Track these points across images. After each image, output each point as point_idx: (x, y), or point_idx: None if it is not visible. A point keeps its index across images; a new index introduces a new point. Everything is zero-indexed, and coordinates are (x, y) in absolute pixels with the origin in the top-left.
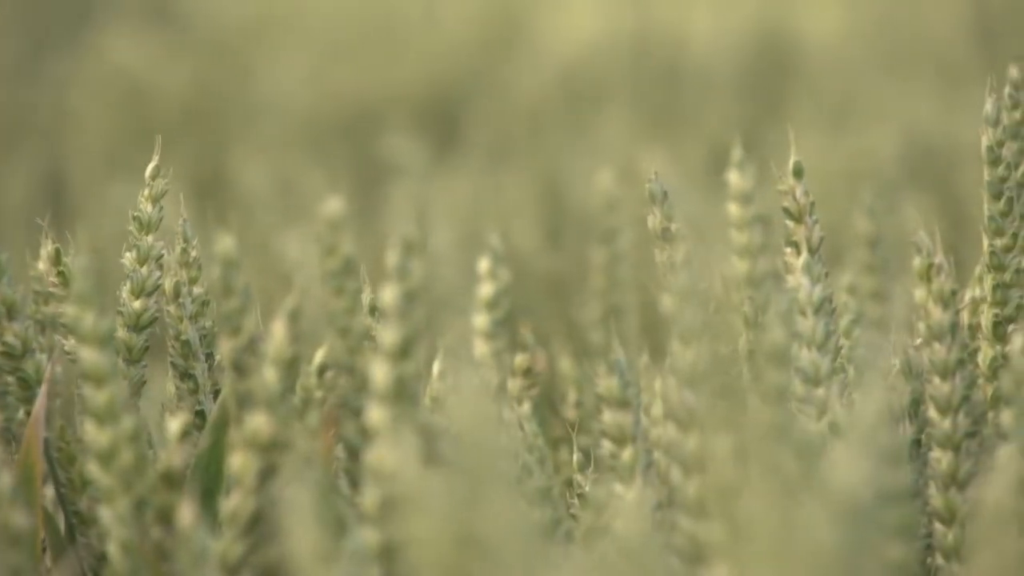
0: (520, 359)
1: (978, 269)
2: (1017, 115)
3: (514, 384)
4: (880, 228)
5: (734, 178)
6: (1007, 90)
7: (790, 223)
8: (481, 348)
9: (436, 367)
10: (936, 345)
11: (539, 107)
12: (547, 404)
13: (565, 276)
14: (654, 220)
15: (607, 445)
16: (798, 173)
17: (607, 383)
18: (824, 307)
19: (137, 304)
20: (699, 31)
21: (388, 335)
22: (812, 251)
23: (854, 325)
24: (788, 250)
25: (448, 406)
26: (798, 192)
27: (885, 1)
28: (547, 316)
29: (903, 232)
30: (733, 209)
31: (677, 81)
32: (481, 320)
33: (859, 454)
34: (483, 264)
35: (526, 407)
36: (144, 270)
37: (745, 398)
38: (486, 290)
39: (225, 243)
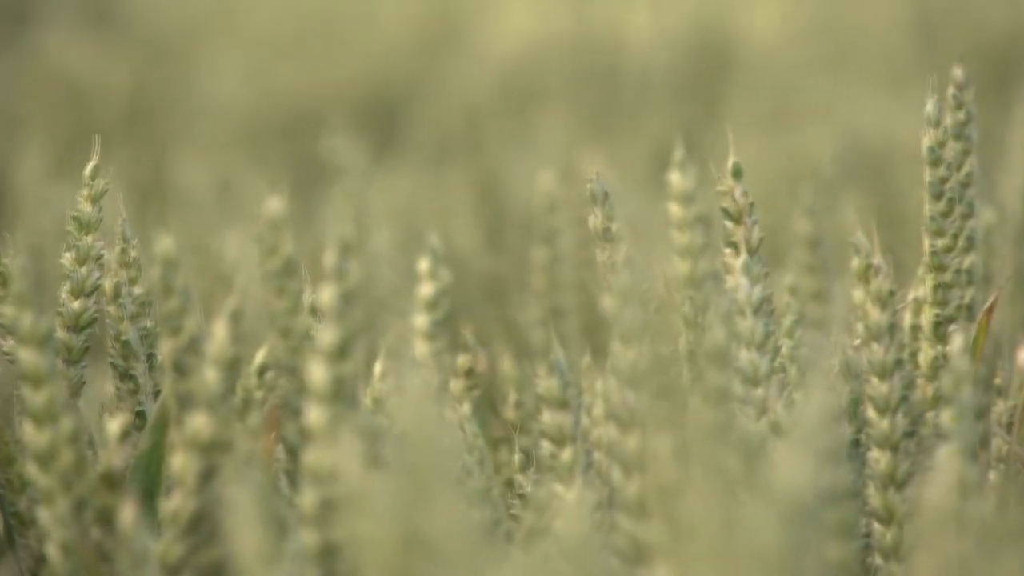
0: (462, 360)
1: (920, 269)
2: (961, 115)
3: (455, 385)
4: (819, 228)
5: (675, 178)
6: (950, 90)
7: (729, 224)
8: (421, 348)
9: (377, 368)
10: (874, 345)
11: (479, 107)
12: (488, 405)
13: (504, 276)
14: (595, 220)
15: (547, 445)
16: (737, 174)
17: (547, 384)
18: (763, 308)
19: (76, 304)
20: (638, 31)
21: (326, 335)
22: (751, 252)
23: (796, 325)
24: (727, 251)
25: (390, 406)
26: (737, 193)
27: (825, 1)
28: (487, 316)
29: (842, 232)
30: (674, 209)
31: (617, 81)
32: (421, 320)
33: (801, 454)
34: (423, 264)
35: (467, 408)
36: (84, 270)
37: (686, 398)
38: (426, 290)
39: (165, 243)
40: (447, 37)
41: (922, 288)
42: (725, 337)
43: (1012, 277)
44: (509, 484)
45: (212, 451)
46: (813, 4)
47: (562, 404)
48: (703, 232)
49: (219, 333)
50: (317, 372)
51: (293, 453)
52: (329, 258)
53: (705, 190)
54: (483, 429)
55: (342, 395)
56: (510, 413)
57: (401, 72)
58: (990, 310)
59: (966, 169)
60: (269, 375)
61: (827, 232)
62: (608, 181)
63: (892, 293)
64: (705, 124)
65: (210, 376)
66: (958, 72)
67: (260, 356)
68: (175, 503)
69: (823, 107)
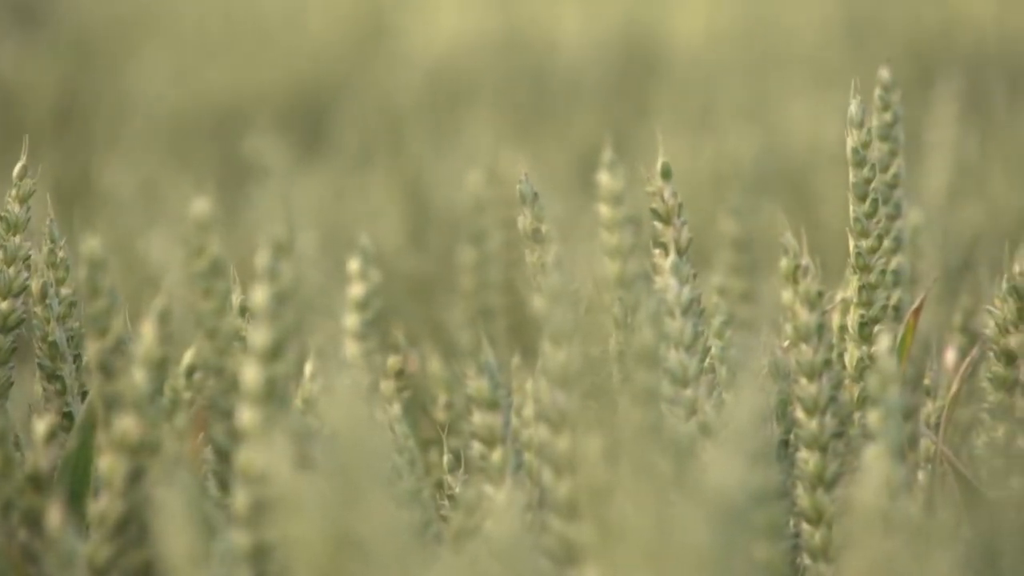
0: (392, 360)
1: (846, 270)
2: (887, 117)
3: (386, 385)
4: (746, 229)
5: (604, 179)
6: (877, 92)
7: (658, 224)
8: (351, 349)
9: (307, 368)
10: (803, 346)
11: (406, 107)
12: (418, 406)
13: (430, 277)
14: (524, 221)
15: (477, 446)
16: (666, 174)
17: (477, 384)
18: (692, 308)
19: (4, 305)
20: (567, 32)
21: (259, 336)
22: (681, 252)
23: (725, 326)
24: (656, 251)
25: (320, 407)
26: (666, 193)
27: (753, 3)
28: (413, 317)
29: (768, 233)
30: (603, 210)
31: (545, 82)
32: (351, 321)
33: (731, 455)
34: (352, 264)
35: (397, 408)
36: (11, 271)
37: (615, 399)
38: (356, 291)
39: (91, 244)
40: (375, 37)
41: (849, 289)
42: (654, 338)
43: (939, 278)
44: (439, 485)
45: (140, 452)
46: (741, 6)
47: (492, 405)
48: (632, 232)
49: (147, 334)
50: (250, 373)
51: (222, 454)
52: (261, 258)
53: (634, 191)
54: (413, 430)
55: (275, 396)
56: (440, 414)
57: (329, 72)
58: (917, 311)
59: (893, 170)
60: (197, 376)
61: (753, 233)
62: (536, 182)
63: (820, 294)
64: (633, 125)
65: (138, 377)
66: (884, 73)
67: (188, 357)
68: (103, 504)
69: (750, 108)
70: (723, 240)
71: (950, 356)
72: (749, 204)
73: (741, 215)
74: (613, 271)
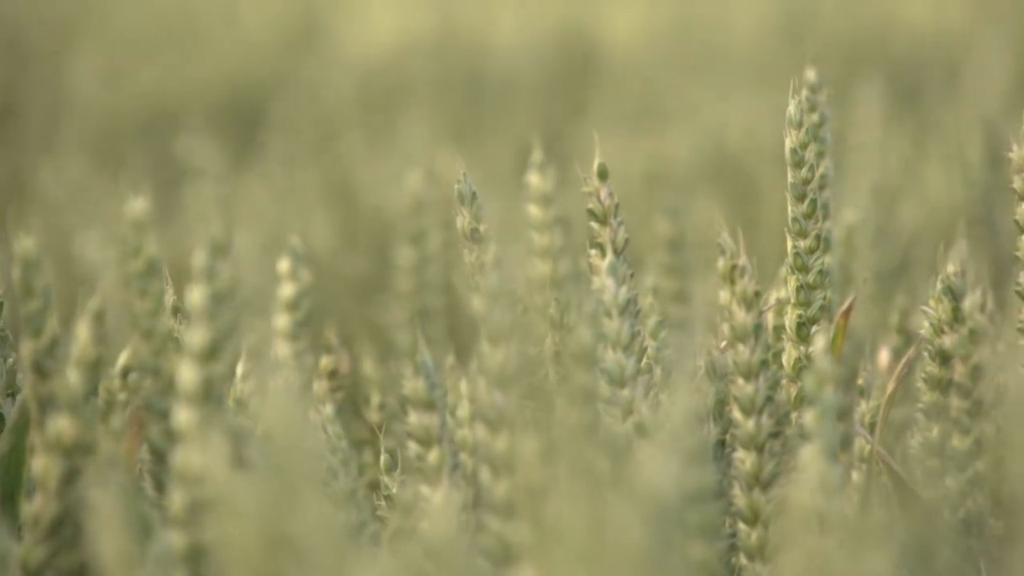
0: (325, 361)
1: (783, 270)
2: (815, 117)
3: (319, 386)
4: (680, 229)
5: (534, 180)
6: (804, 93)
7: (595, 225)
8: (283, 349)
9: (240, 369)
10: (740, 346)
11: (341, 107)
12: (351, 406)
13: (365, 278)
14: (462, 221)
15: (414, 447)
16: (602, 175)
17: (413, 384)
18: (629, 308)
19: None
20: (503, 32)
21: (196, 336)
22: (617, 253)
23: (661, 326)
24: (593, 252)
25: (253, 408)
26: (603, 194)
27: (689, 2)
28: (348, 318)
29: (704, 233)
30: (534, 211)
31: (482, 83)
32: (283, 321)
33: (667, 455)
34: (283, 265)
35: (330, 409)
36: None
37: (553, 399)
38: (287, 291)
39: (25, 244)
40: (310, 36)
41: (785, 289)
42: (591, 338)
43: (870, 278)
44: (374, 486)
45: (75, 453)
46: (678, 5)
47: (429, 405)
48: (563, 233)
49: (82, 334)
50: (186, 373)
51: (158, 455)
52: (199, 258)
53: (571, 191)
54: (346, 431)
55: (211, 396)
56: (373, 415)
57: (264, 72)
58: (847, 312)
59: (821, 171)
60: (132, 376)
61: (689, 233)
62: (474, 182)
63: (757, 294)
64: (571, 125)
65: (73, 377)
66: (811, 74)
67: (123, 357)
68: (37, 506)
69: (686, 108)
70: (657, 240)
71: (884, 356)
72: (685, 204)
73: (674, 215)
74: (544, 272)
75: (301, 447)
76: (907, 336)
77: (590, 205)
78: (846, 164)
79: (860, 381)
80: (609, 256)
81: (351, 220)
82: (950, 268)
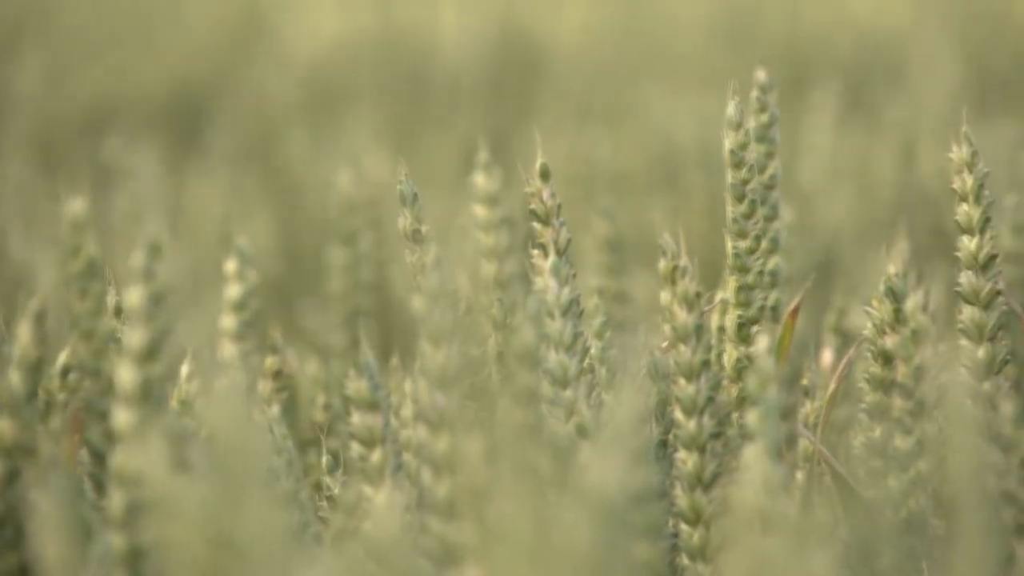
0: (270, 361)
1: (724, 271)
2: (764, 118)
3: (264, 386)
4: (618, 230)
5: (480, 180)
6: (754, 93)
7: (537, 225)
8: (228, 350)
9: (184, 369)
10: (681, 347)
11: (284, 107)
12: (295, 407)
13: (294, 281)
14: (404, 221)
15: (356, 447)
16: (545, 175)
17: (357, 385)
18: (572, 309)
19: None
20: (446, 31)
21: (134, 337)
22: (559, 253)
23: (604, 327)
24: (535, 252)
25: (198, 409)
26: (545, 194)
27: (633, 1)
28: (282, 319)
29: (646, 233)
30: (479, 211)
31: (425, 81)
32: (228, 321)
33: (610, 455)
34: (230, 265)
35: (275, 409)
36: None
37: (495, 399)
38: (233, 291)
39: None
40: (253, 36)
41: (727, 290)
42: (534, 338)
43: (814, 278)
44: (317, 486)
45: (15, 454)
46: (622, 4)
47: (372, 406)
48: (509, 233)
49: (22, 335)
50: (125, 374)
51: (98, 456)
52: (137, 259)
53: (514, 191)
54: (291, 431)
55: (150, 397)
56: (318, 415)
57: (207, 71)
58: (795, 311)
59: (770, 171)
60: (72, 377)
61: (630, 233)
62: (416, 182)
63: (699, 295)
64: (515, 124)
65: (13, 378)
66: (761, 75)
67: (63, 358)
68: None
69: (631, 107)
70: (596, 241)
71: (827, 356)
72: (626, 204)
73: (612, 216)
74: (489, 272)
75: (244, 448)
76: (845, 336)
77: (532, 205)
78: (796, 165)
79: (804, 381)
80: (552, 257)
81: (290, 220)
82: (891, 269)
